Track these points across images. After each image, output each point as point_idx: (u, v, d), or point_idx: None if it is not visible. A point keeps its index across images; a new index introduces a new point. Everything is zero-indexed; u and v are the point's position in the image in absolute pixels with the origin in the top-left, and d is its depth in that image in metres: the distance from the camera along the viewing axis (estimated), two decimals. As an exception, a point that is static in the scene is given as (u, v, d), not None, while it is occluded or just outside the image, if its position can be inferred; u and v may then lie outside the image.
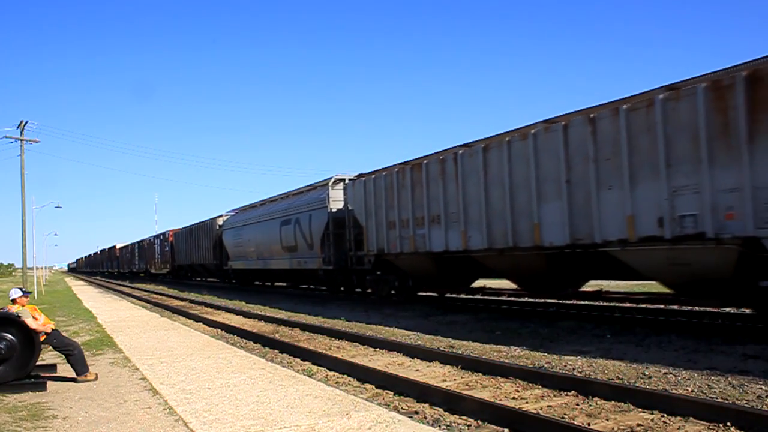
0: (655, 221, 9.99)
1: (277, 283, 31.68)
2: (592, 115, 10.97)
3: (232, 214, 34.13)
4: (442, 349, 9.84)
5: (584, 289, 14.64)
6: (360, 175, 19.18)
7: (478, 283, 18.26)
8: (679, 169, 9.64)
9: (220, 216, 34.93)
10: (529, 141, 12.21)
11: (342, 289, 22.19)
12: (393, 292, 18.59)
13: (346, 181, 20.51)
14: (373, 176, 17.99)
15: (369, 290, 20.05)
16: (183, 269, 43.21)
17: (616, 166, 10.55)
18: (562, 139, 11.48)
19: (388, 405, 6.48)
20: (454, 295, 18.46)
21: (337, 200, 20.80)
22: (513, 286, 15.75)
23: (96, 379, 7.63)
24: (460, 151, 14.11)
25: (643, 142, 10.10)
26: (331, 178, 21.51)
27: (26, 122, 34.06)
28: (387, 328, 13.04)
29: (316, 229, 21.51)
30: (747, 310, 12.21)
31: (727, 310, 12.84)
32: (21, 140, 33.70)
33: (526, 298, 16.99)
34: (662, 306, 13.84)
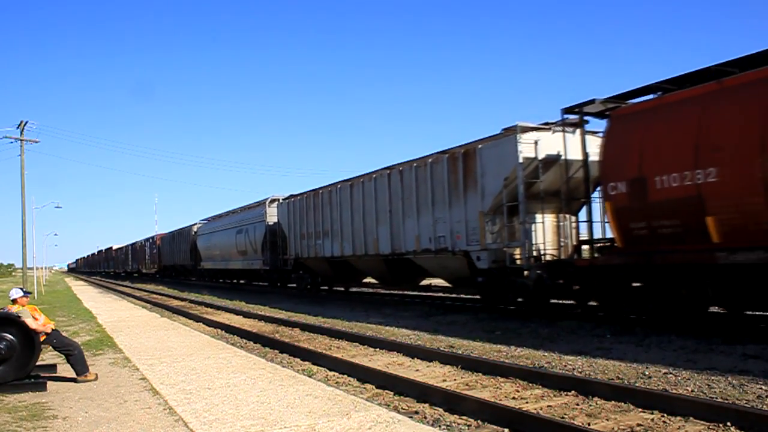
0: (428, 239, 15.55)
1: (236, 281, 36.81)
2: (400, 168, 16.89)
3: (205, 222, 39.83)
4: (442, 349, 9.83)
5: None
6: (288, 197, 25.04)
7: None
8: (438, 206, 15.20)
9: (195, 224, 40.80)
10: (372, 182, 18.13)
11: (279, 284, 28.14)
12: (309, 286, 24.21)
13: (279, 201, 26.19)
14: (293, 199, 24.21)
15: (294, 285, 25.85)
16: (168, 269, 49.07)
17: (411, 203, 16.26)
18: (387, 183, 17.33)
19: (388, 405, 6.48)
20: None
21: (272, 216, 26.91)
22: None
23: (96, 379, 7.62)
24: (339, 186, 20.28)
25: (423, 189, 15.77)
26: (267, 198, 27.71)
27: (26, 122, 33.97)
28: (387, 328, 13.04)
29: (258, 238, 27.82)
30: (751, 312, 12.58)
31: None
32: (21, 140, 33.61)
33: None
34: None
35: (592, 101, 11.87)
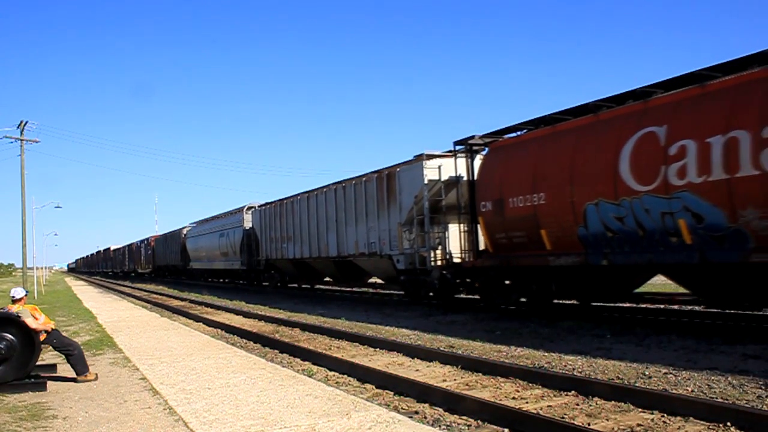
0: (364, 244, 18.53)
1: (220, 279, 40.49)
2: (343, 185, 20.02)
3: (194, 225, 43.08)
4: (442, 349, 9.83)
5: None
6: (262, 205, 28.48)
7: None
8: (370, 217, 18.21)
9: (185, 227, 44.37)
10: (324, 195, 21.34)
11: (255, 283, 31.33)
12: (279, 284, 27.77)
13: (255, 208, 29.55)
14: (264, 207, 27.88)
15: (266, 283, 29.38)
16: (161, 269, 52.38)
17: (351, 213, 19.27)
18: (334, 196, 20.48)
19: (388, 405, 6.48)
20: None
21: (248, 221, 30.30)
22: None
23: (96, 379, 7.63)
24: (299, 197, 23.48)
25: (360, 202, 18.83)
26: (244, 206, 31.34)
27: (26, 122, 33.93)
28: (387, 328, 13.04)
29: (237, 241, 31.21)
30: (748, 311, 12.80)
31: (727, 310, 13.00)
32: (21, 140, 33.59)
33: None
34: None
35: (473, 137, 14.52)
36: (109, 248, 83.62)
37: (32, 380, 7.26)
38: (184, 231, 43.45)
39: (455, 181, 15.31)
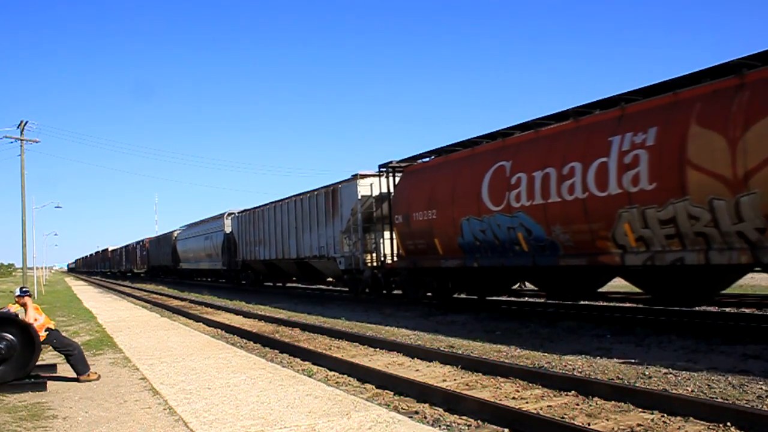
0: (316, 248, 21.73)
1: (206, 278, 44.29)
2: (301, 198, 23.35)
3: (184, 228, 46.27)
4: (442, 349, 9.83)
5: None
6: (240, 211, 31.85)
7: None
8: (320, 225, 21.33)
9: (176, 230, 47.53)
10: (286, 205, 24.81)
11: (234, 281, 34.23)
12: (254, 283, 31.08)
13: (234, 215, 32.97)
14: (241, 214, 31.40)
15: (244, 281, 32.67)
16: (155, 269, 55.67)
17: (306, 222, 22.54)
18: (294, 207, 23.87)
19: (388, 405, 6.48)
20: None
21: (228, 226, 33.79)
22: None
23: (98, 378, 7.62)
24: (268, 207, 27.10)
25: (313, 212, 22.05)
26: (225, 212, 34.48)
27: (26, 122, 33.95)
28: (387, 328, 13.04)
29: (219, 244, 34.59)
30: (747, 310, 12.87)
31: (727, 310, 13.08)
32: (21, 140, 33.60)
33: (526, 298, 17.18)
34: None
35: (391, 162, 17.36)
36: (107, 249, 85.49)
37: (32, 380, 7.26)
38: (175, 234, 46.26)
39: (383, 197, 18.11)
